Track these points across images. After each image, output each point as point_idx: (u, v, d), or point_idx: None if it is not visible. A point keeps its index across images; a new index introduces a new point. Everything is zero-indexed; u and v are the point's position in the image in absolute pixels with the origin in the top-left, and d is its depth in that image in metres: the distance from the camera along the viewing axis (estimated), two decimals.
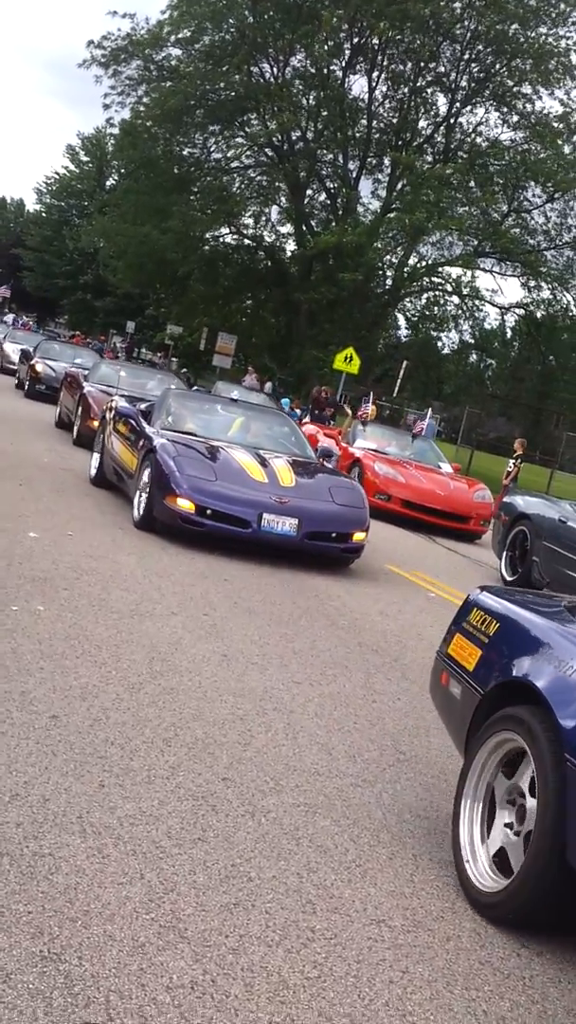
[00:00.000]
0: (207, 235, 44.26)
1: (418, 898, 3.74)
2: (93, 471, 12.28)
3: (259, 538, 9.44)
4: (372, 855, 4.00)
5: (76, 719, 4.66)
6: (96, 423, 13.43)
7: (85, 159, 77.25)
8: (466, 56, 39.00)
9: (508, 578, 11.98)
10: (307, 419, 22.61)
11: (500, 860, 3.81)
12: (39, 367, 23.57)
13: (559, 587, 11.27)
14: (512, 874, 3.65)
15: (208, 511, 9.32)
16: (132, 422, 11.11)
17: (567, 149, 37.58)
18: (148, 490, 9.72)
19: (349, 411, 24.72)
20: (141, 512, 9.85)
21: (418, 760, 5.23)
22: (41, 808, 3.73)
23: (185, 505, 9.31)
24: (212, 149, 44.06)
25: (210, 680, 5.70)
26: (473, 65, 39.33)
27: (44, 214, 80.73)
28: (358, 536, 9.97)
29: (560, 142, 37.29)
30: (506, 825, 3.85)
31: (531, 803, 3.63)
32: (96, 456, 12.27)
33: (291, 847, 3.90)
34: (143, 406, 11.76)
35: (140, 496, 9.96)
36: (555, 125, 37.65)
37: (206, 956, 3.07)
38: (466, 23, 37.70)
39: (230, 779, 4.40)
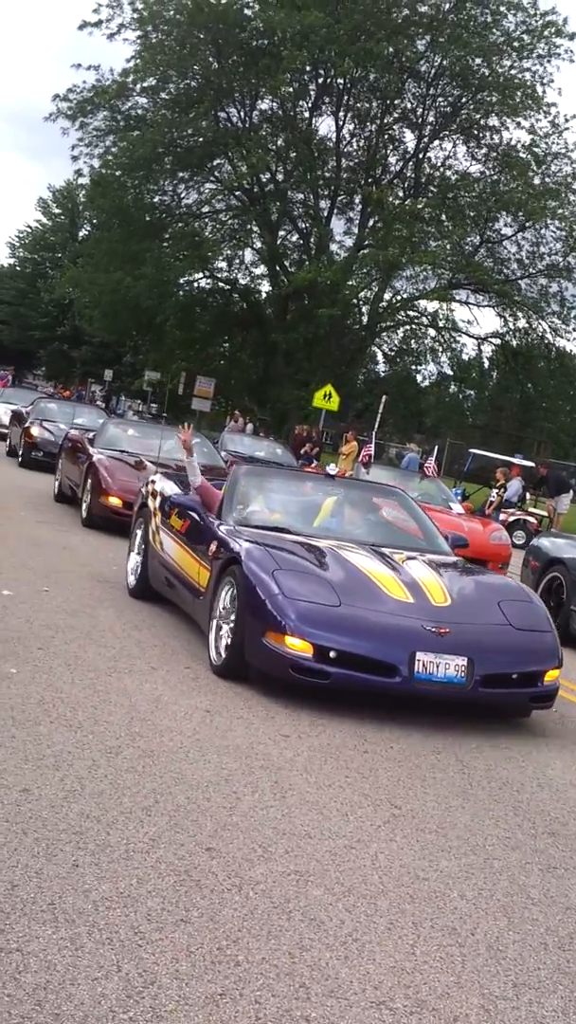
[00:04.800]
0: (181, 280, 44.29)
1: (420, 973, 3.45)
2: (132, 579, 9.09)
3: (412, 690, 6.37)
4: (369, 926, 3.71)
5: (49, 791, 4.38)
6: (112, 499, 11.88)
7: (57, 211, 77.57)
8: (432, 91, 39.31)
9: None
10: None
11: None
12: (34, 431, 20.46)
13: None
14: None
15: (332, 653, 6.29)
16: (194, 515, 8.06)
17: (536, 179, 37.81)
18: (234, 621, 6.71)
19: (355, 443, 24.43)
20: (224, 653, 6.79)
21: (415, 814, 4.95)
22: (9, 896, 3.44)
23: (298, 645, 6.28)
24: (183, 195, 44.28)
25: (192, 739, 5.42)
26: (439, 100, 39.73)
27: (18, 268, 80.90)
28: (551, 674, 6.82)
29: (529, 172, 37.53)
30: None
31: None
32: (136, 558, 9.11)
33: (282, 923, 3.61)
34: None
35: (219, 628, 6.92)
36: (523, 156, 37.90)
37: None
38: (430, 58, 38.00)
39: (215, 849, 4.12)
